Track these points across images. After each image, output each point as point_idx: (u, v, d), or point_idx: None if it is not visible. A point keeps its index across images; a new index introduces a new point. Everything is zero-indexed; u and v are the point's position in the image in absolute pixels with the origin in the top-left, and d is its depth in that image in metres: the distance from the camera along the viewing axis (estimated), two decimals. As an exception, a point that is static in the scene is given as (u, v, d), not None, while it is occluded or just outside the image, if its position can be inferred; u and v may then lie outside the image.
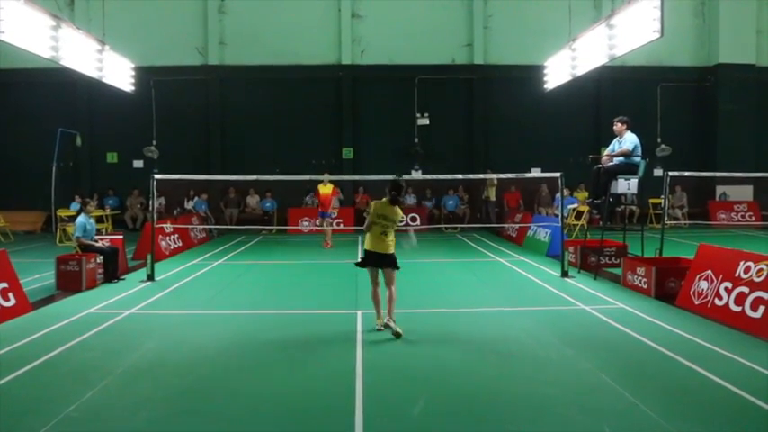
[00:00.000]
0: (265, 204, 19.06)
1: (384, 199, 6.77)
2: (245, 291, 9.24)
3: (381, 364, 5.41)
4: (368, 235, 6.71)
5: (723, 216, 19.23)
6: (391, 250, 6.70)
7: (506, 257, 12.53)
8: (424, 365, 5.42)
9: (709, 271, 7.33)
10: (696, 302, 7.34)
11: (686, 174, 11.00)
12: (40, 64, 13.55)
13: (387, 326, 6.51)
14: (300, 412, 4.39)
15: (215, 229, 17.16)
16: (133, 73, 13.22)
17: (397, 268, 6.76)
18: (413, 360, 5.58)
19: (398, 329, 6.32)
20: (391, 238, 6.70)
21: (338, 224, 17.88)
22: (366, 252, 6.72)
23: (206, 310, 7.82)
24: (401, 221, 6.80)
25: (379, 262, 6.69)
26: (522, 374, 5.15)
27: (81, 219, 9.98)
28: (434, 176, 13.10)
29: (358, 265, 6.84)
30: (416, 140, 19.69)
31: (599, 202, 10.06)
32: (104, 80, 11.97)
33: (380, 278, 6.74)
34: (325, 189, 14.48)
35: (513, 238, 15.64)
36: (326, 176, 14.29)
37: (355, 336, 6.39)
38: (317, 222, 15.20)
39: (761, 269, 6.51)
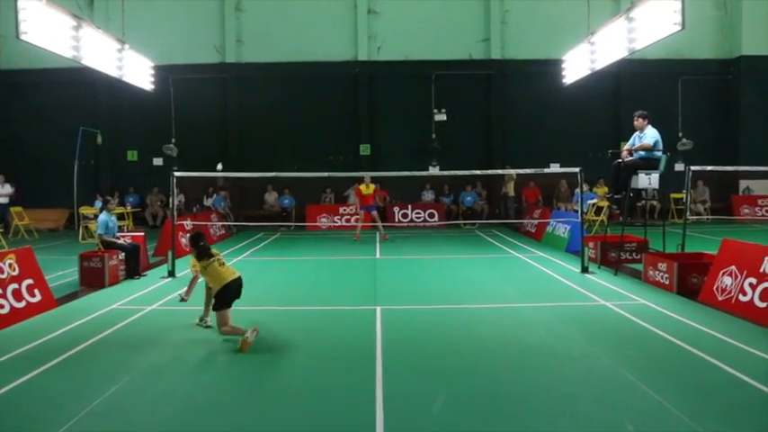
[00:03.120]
0: (283, 201, 19.16)
1: (193, 255, 6.58)
2: (264, 287, 9.29)
3: (401, 361, 5.41)
4: (213, 278, 6.30)
5: (747, 211, 18.92)
6: (239, 273, 6.51)
7: (525, 253, 12.45)
8: (443, 362, 5.41)
9: (733, 266, 7.21)
10: (720, 298, 7.23)
11: (708, 168, 10.84)
12: (60, 64, 13.78)
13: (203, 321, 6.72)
14: (321, 406, 4.41)
15: (234, 225, 17.29)
16: (152, 71, 13.34)
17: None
18: (432, 357, 5.57)
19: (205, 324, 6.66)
20: (228, 265, 6.57)
21: (356, 220, 17.93)
22: (223, 289, 6.19)
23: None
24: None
25: (238, 291, 6.39)
26: (543, 371, 5.11)
27: (103, 216, 10.14)
28: (452, 172, 13.04)
29: (220, 308, 6.17)
30: (434, 136, 19.64)
31: (619, 197, 9.95)
32: (124, 79, 12.10)
33: None
34: (368, 190, 15.26)
35: (532, 233, 15.54)
36: (368, 177, 15.24)
37: (374, 332, 6.40)
38: (357, 218, 15.81)
39: (787, 264, 6.39)
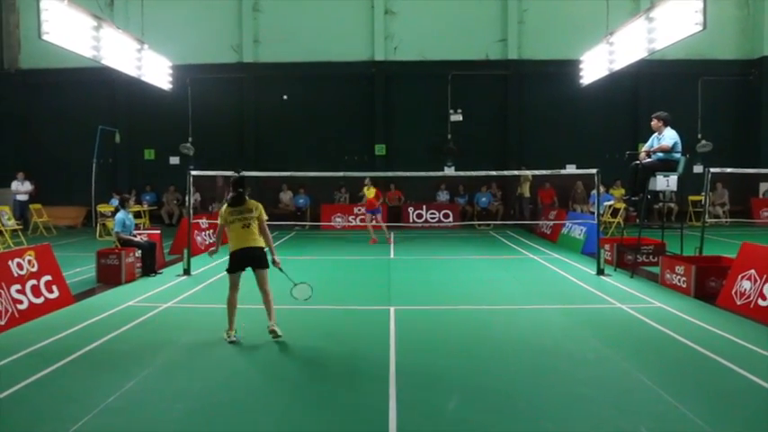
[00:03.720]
0: (298, 201, 19.23)
1: (226, 202, 6.23)
2: (279, 286, 9.30)
3: (415, 361, 5.40)
4: (230, 237, 6.13)
5: (767, 214, 18.63)
6: (260, 243, 6.15)
7: (540, 255, 12.37)
8: (457, 362, 5.39)
9: (753, 270, 7.10)
10: (738, 303, 7.12)
11: (728, 170, 10.66)
12: (80, 63, 13.95)
13: (272, 331, 6.00)
14: (335, 406, 4.42)
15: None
16: (170, 71, 13.46)
17: (268, 266, 6.19)
18: (446, 357, 5.56)
19: (280, 331, 6.00)
20: (257, 231, 6.15)
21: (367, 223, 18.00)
22: (232, 255, 6.11)
23: (241, 304, 7.86)
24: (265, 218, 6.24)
25: (250, 260, 6.08)
26: (557, 373, 5.07)
27: (120, 214, 10.25)
28: (467, 173, 12.99)
29: (228, 270, 6.18)
30: (449, 137, 19.59)
31: (636, 199, 9.85)
32: (143, 78, 12.23)
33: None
34: (369, 193, 15.05)
35: (548, 235, 15.44)
36: (368, 179, 15.03)
37: (388, 332, 6.40)
38: (362, 219, 15.72)
39: (808, 269, 6.28)
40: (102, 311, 7.31)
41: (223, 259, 11.72)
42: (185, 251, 10.16)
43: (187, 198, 10.73)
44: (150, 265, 10.07)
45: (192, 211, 10.89)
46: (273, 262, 6.33)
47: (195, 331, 6.49)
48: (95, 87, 19.76)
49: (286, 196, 19.73)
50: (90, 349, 5.76)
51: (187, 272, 10.00)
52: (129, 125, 20.11)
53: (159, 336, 6.29)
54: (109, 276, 9.32)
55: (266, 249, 6.25)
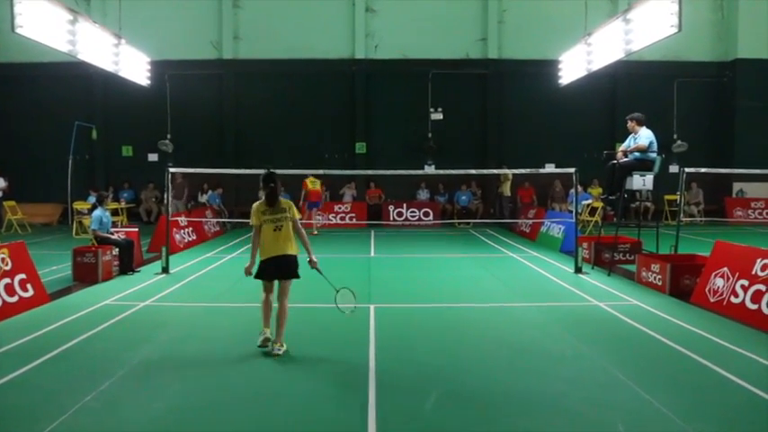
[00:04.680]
0: (278, 198, 19.12)
1: (260, 200, 5.68)
2: (259, 284, 9.26)
3: (394, 359, 5.43)
4: (261, 242, 5.55)
5: (740, 213, 19.01)
6: (293, 251, 5.56)
7: (519, 253, 12.48)
8: (436, 361, 5.42)
9: (726, 268, 7.25)
10: (711, 300, 7.27)
11: (702, 170, 10.88)
12: (56, 58, 13.67)
13: (275, 354, 5.40)
14: (313, 405, 4.41)
15: (228, 222, 17.25)
16: (149, 67, 13.29)
17: (298, 277, 5.68)
18: (425, 355, 5.59)
19: (282, 351, 5.42)
20: (290, 234, 5.57)
21: (351, 218, 18.05)
22: (262, 262, 5.52)
23: (220, 303, 7.88)
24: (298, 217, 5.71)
25: (282, 270, 5.55)
26: (535, 370, 5.13)
27: (97, 212, 10.11)
28: (447, 171, 13.07)
29: (256, 277, 5.59)
30: (430, 135, 19.65)
31: (613, 198, 9.99)
32: (120, 74, 12.05)
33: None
34: (313, 185, 15.96)
35: (527, 233, 15.58)
36: (311, 176, 15.96)
37: (368, 330, 6.41)
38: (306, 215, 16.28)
39: (778, 267, 6.43)
40: (78, 310, 7.20)
41: (202, 257, 11.69)
42: (164, 249, 10.05)
43: (165, 195, 10.61)
44: (128, 264, 9.95)
45: (170, 209, 10.78)
46: (310, 262, 5.88)
47: (173, 330, 6.43)
48: (71, 82, 19.41)
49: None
50: (66, 348, 5.68)
51: (165, 270, 9.89)
52: (106, 121, 19.80)
53: (136, 334, 6.22)
54: (85, 275, 9.18)
55: (299, 254, 5.67)
